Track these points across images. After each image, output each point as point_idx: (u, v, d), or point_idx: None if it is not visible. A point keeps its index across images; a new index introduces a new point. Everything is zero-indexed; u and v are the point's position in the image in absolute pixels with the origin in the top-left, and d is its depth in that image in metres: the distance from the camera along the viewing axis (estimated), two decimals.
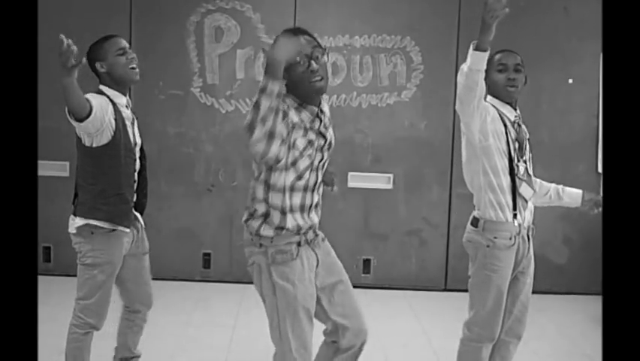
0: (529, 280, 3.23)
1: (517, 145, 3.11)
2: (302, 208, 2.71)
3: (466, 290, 4.54)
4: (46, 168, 5.32)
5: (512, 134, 3.12)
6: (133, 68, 3.22)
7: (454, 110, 5.43)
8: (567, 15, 5.44)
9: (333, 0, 5.45)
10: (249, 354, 4.10)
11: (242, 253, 5.66)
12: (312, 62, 2.56)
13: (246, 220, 2.77)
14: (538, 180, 3.38)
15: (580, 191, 3.39)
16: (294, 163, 2.63)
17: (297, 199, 2.68)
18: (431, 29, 5.43)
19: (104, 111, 3.09)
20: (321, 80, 2.59)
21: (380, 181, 5.51)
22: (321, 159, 2.74)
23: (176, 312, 4.24)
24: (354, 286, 4.64)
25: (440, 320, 4.86)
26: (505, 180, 3.08)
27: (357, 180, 5.48)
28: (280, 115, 2.40)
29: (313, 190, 2.73)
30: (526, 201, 3.14)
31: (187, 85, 5.43)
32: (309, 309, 2.72)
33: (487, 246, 3.12)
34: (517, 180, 3.08)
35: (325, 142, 2.73)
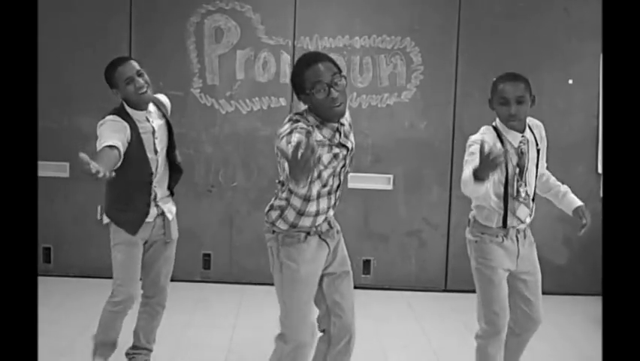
0: (531, 278, 3.32)
1: (517, 170, 3.21)
2: (322, 211, 2.94)
3: (465, 291, 4.56)
4: (46, 169, 5.31)
5: (514, 160, 3.20)
6: (143, 93, 3.37)
7: (454, 111, 5.46)
8: (567, 15, 5.43)
9: (333, 0, 5.44)
10: (248, 355, 4.11)
11: (242, 253, 5.70)
12: (332, 89, 2.72)
13: (267, 210, 3.01)
14: (546, 174, 3.48)
15: (576, 205, 3.46)
16: (319, 175, 2.83)
17: (322, 204, 2.92)
18: (431, 30, 5.43)
19: (123, 137, 3.28)
20: (340, 105, 2.76)
21: (380, 182, 5.51)
22: (343, 165, 2.93)
23: (176, 313, 4.24)
24: (354, 287, 4.68)
25: (440, 321, 4.86)
26: (498, 204, 3.22)
27: (357, 181, 5.47)
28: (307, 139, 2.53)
29: (335, 192, 2.96)
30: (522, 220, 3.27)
31: (187, 86, 5.43)
32: (312, 290, 2.95)
33: (476, 241, 3.29)
34: (515, 202, 3.22)
35: (348, 151, 2.93)
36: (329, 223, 3.01)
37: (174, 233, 3.67)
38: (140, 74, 3.37)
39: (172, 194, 3.67)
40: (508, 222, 3.22)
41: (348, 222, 5.46)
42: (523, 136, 3.23)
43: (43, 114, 4.59)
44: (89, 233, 5.54)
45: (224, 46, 5.43)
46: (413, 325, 4.79)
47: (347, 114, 2.94)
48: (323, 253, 2.98)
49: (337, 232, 3.06)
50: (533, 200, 3.33)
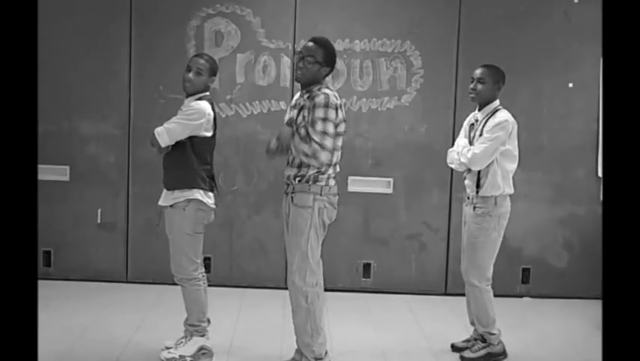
0: (465, 237, 4.18)
1: (469, 138, 4.16)
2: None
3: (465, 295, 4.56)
4: (46, 172, 5.32)
5: (469, 131, 4.16)
6: (183, 84, 3.92)
7: (454, 114, 5.46)
8: (567, 19, 5.44)
9: (333, 4, 5.45)
10: (248, 358, 4.10)
11: (242, 257, 5.69)
12: (301, 61, 3.66)
13: None
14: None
15: None
16: None
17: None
18: (431, 33, 5.43)
19: None
20: (297, 73, 3.69)
21: (380, 185, 5.51)
22: (295, 129, 3.65)
23: (176, 316, 4.23)
24: (355, 290, 4.70)
25: (440, 325, 4.85)
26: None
27: (357, 185, 5.48)
28: None
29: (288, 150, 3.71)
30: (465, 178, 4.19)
31: None
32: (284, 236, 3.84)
33: None
34: (466, 170, 4.13)
35: (294, 120, 3.68)
36: (287, 183, 3.71)
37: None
38: (189, 70, 3.87)
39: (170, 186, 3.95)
40: (465, 185, 4.16)
41: (349, 226, 5.46)
42: (477, 114, 4.12)
43: (43, 118, 4.59)
44: (89, 237, 5.54)
45: (224, 49, 5.43)
46: (413, 328, 4.78)
47: (315, 97, 3.57)
48: (284, 205, 3.77)
49: (291, 197, 3.67)
50: (479, 176, 4.01)
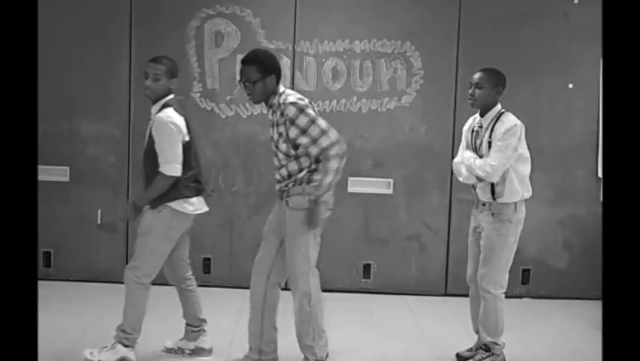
0: (482, 242, 4.00)
1: (472, 145, 4.02)
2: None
3: (466, 295, 4.56)
4: (46, 173, 5.32)
5: (472, 138, 4.02)
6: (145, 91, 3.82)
7: (454, 115, 5.47)
8: (567, 20, 5.44)
9: (333, 5, 5.45)
10: None
11: (242, 257, 5.69)
12: (245, 86, 3.65)
13: None
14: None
15: None
16: None
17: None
18: (431, 34, 5.43)
19: None
20: (250, 97, 3.68)
21: (380, 186, 5.51)
22: (274, 146, 3.68)
23: (176, 317, 4.23)
24: (355, 291, 4.64)
25: (440, 325, 4.86)
26: None
27: (357, 185, 5.48)
28: None
29: (278, 168, 3.74)
30: (475, 186, 4.02)
31: (187, 90, 5.43)
32: (267, 235, 3.83)
33: None
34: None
35: (271, 136, 3.71)
36: (280, 190, 3.71)
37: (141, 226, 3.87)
38: (146, 76, 3.76)
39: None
40: (476, 192, 4.00)
41: (349, 227, 5.47)
42: (480, 120, 3.96)
43: (43, 118, 4.59)
44: (89, 237, 5.54)
45: (224, 50, 5.43)
46: (413, 329, 4.78)
47: (286, 112, 3.52)
48: (278, 210, 3.76)
49: (286, 202, 3.65)
50: (493, 184, 3.88)
